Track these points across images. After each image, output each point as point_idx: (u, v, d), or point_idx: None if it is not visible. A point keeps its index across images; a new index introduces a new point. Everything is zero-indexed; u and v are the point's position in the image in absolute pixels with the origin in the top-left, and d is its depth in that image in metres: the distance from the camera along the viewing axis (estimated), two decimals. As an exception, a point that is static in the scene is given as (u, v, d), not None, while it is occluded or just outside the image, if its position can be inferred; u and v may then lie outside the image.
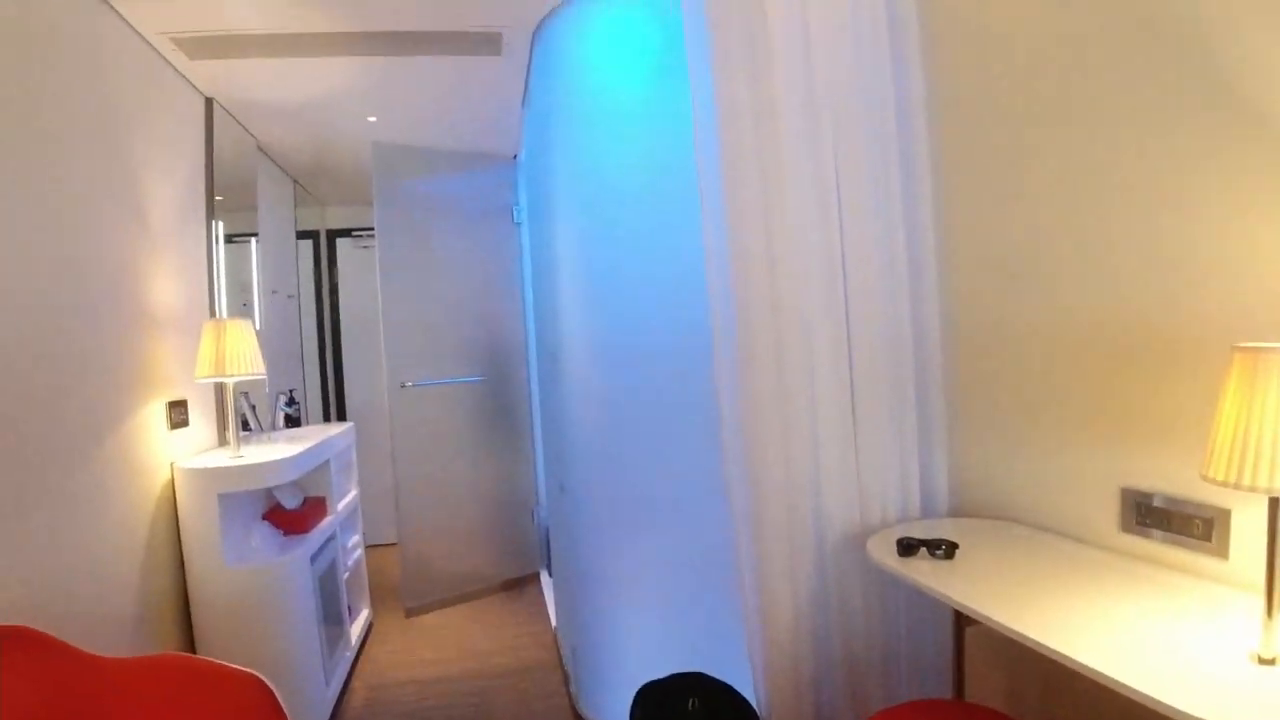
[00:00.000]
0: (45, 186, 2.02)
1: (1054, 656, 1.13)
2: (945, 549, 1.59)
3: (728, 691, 2.16)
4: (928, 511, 2.02)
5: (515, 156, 4.51)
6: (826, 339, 1.97)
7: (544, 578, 4.55)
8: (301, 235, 4.94)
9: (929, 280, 2.07)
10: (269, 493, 2.96)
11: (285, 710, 1.85)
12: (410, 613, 4.12)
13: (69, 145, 2.15)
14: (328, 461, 3.31)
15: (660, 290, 2.51)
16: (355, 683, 3.30)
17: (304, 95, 3.36)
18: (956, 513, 2.02)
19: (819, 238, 1.98)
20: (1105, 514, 1.57)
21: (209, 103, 3.24)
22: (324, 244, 5.42)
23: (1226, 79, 1.27)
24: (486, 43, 2.89)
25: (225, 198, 3.32)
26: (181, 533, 2.59)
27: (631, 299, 2.58)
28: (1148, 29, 1.41)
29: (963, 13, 2.01)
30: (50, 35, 2.09)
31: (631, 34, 2.57)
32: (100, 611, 2.15)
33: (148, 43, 2.66)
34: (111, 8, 2.39)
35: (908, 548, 1.63)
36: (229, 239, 3.33)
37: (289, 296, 4.56)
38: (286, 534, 2.95)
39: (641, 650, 2.61)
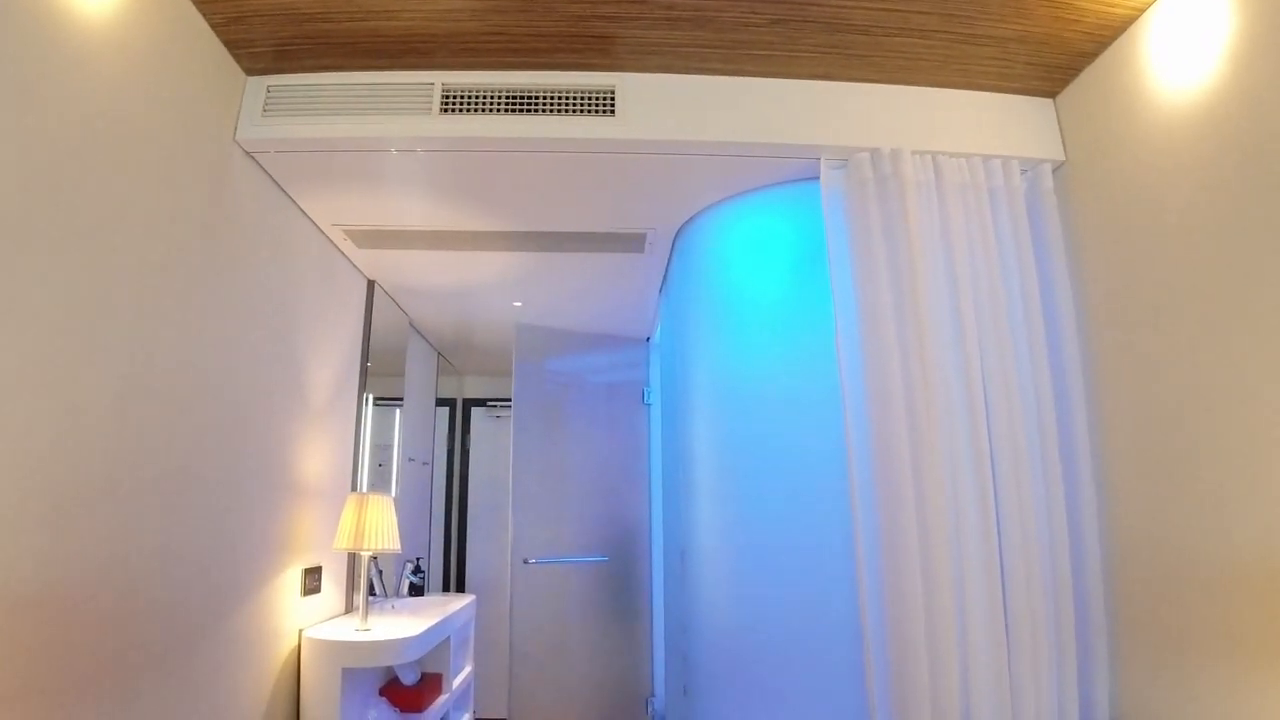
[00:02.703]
0: (223, 366, 2.17)
1: None
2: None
3: None
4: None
5: (648, 338, 4.62)
6: (977, 551, 1.86)
7: (657, 773, 4.25)
8: (440, 403, 5.15)
9: (1086, 495, 1.96)
10: (389, 667, 2.93)
11: None
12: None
13: (250, 325, 2.33)
14: (448, 638, 3.28)
15: (799, 489, 2.37)
16: None
17: (457, 281, 3.59)
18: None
19: (965, 430, 1.92)
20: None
21: (371, 285, 3.51)
22: (460, 412, 5.61)
23: None
24: (631, 242, 3.05)
25: (374, 364, 3.52)
26: (301, 704, 2.56)
27: (768, 498, 2.44)
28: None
29: (1110, 213, 1.97)
30: (243, 227, 2.32)
31: (770, 234, 2.64)
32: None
33: (322, 232, 2.92)
34: (293, 202, 2.66)
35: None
36: (375, 401, 3.51)
37: (423, 464, 4.70)
38: (403, 712, 2.88)
39: None
